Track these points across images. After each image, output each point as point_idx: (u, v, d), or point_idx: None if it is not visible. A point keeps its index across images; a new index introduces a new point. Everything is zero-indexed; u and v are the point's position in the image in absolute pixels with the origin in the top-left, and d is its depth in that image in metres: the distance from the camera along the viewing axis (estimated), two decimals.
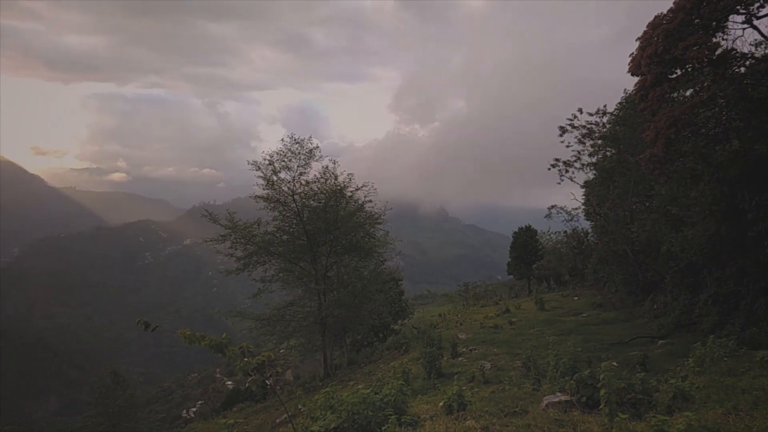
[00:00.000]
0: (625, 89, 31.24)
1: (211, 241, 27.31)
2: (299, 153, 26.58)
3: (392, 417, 6.72)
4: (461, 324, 32.55)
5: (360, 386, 16.56)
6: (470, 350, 22.41)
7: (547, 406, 8.62)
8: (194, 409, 69.06)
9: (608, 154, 33.67)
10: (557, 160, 37.18)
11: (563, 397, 8.84)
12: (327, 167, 27.84)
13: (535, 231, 55.07)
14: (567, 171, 36.98)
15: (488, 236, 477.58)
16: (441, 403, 9.47)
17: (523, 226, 55.32)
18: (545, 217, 42.28)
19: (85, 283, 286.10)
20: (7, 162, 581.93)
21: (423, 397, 13.44)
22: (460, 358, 21.12)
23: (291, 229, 28.21)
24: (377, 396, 7.31)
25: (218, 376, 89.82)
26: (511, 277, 59.92)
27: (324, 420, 6.49)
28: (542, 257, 51.33)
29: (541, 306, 33.09)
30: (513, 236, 55.34)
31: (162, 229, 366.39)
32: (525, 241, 53.28)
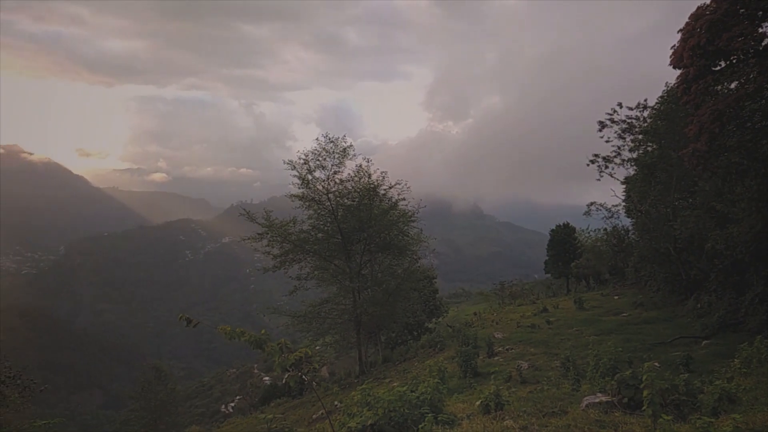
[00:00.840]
0: (667, 82, 30.30)
1: (248, 239, 27.81)
2: (333, 152, 26.77)
3: (429, 415, 6.72)
4: (497, 323, 32.22)
5: (395, 384, 16.62)
6: (507, 350, 22.17)
7: (587, 406, 8.49)
8: (232, 404, 70.46)
9: (649, 149, 32.75)
10: (596, 155, 36.41)
11: (604, 398, 8.69)
12: (361, 166, 27.99)
13: (574, 228, 54.04)
14: (606, 167, 36.20)
15: (524, 234, 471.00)
16: (477, 403, 9.41)
17: (561, 224, 54.35)
18: (584, 214, 41.50)
19: (128, 280, 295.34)
20: (53, 164, 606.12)
21: (459, 396, 13.39)
22: (496, 358, 20.93)
23: (326, 228, 28.47)
24: (413, 394, 7.32)
25: (256, 371, 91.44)
26: (549, 275, 58.96)
27: (361, 417, 6.54)
28: (581, 255, 50.33)
29: (580, 305, 32.47)
30: (550, 234, 54.44)
31: (201, 228, 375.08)
32: (563, 239, 52.34)
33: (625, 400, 8.24)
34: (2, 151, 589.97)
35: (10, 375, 19.38)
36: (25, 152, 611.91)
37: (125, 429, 42.32)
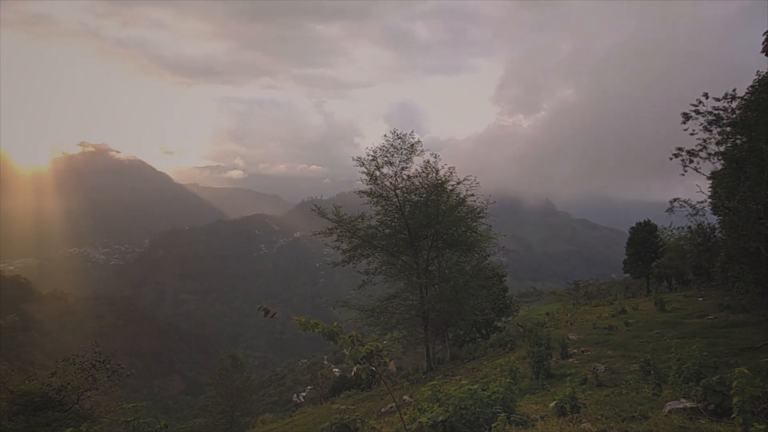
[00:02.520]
0: (758, 71, 27.87)
1: (318, 234, 28.38)
2: (401, 148, 26.75)
3: (501, 415, 6.58)
4: (571, 324, 31.14)
5: (464, 382, 16.42)
6: (582, 351, 21.39)
7: (670, 412, 8.07)
8: (304, 394, 72.54)
9: (738, 142, 30.35)
10: (680, 149, 34.22)
11: (688, 404, 8.22)
12: (428, 161, 27.78)
13: (655, 226, 51.22)
14: (691, 161, 33.91)
15: (601, 231, 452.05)
16: (552, 404, 9.14)
17: (642, 221, 51.69)
18: (666, 211, 39.15)
19: (207, 272, 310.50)
20: (138, 161, 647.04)
21: (531, 397, 13.07)
22: (570, 360, 20.23)
23: (393, 223, 28.56)
24: (485, 392, 7.19)
25: (326, 363, 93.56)
26: (628, 275, 56.29)
27: (431, 412, 6.50)
28: (663, 254, 47.68)
29: (662, 307, 30.76)
30: (630, 232, 51.86)
31: (275, 223, 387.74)
32: (644, 237, 49.72)
33: (712, 406, 7.77)
34: (92, 149, 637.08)
35: (100, 360, 20.78)
36: (112, 150, 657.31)
37: (204, 414, 44.49)
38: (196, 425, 37.90)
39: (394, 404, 18.04)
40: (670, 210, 39.04)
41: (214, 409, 41.27)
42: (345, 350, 6.07)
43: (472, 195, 28.12)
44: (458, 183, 27.72)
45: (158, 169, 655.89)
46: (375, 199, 28.01)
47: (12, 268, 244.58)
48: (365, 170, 27.23)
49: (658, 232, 50.99)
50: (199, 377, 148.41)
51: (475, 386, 7.37)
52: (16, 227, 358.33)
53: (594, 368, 16.82)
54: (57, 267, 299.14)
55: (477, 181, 27.89)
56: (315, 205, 28.50)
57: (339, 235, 27.95)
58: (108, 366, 20.86)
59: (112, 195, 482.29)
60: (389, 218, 28.56)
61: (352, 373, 39.77)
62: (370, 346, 6.28)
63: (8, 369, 22.17)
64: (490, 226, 30.23)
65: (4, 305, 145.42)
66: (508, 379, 8.45)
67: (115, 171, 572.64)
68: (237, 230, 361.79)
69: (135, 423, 6.29)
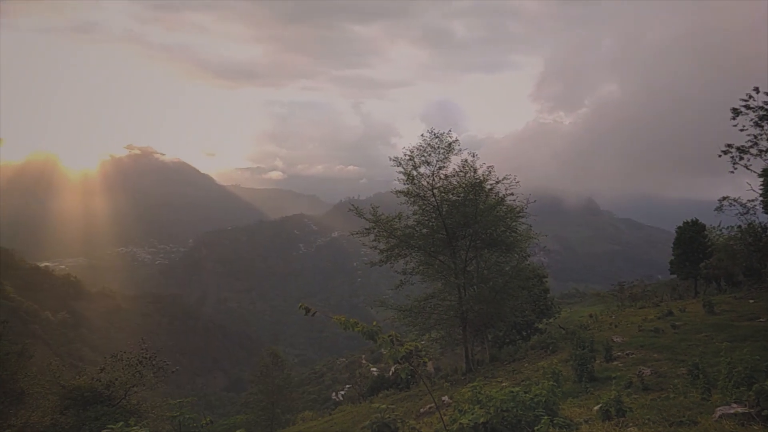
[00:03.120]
0: None
1: (356, 233, 28.50)
2: (438, 147, 26.58)
3: (545, 418, 6.44)
4: (616, 326, 30.31)
5: (505, 384, 16.20)
6: (626, 354, 20.78)
7: (720, 417, 7.77)
8: (342, 392, 73.07)
9: None
10: (729, 146, 32.86)
11: (740, 409, 7.89)
12: (466, 160, 27.48)
13: (703, 225, 49.34)
14: (741, 158, 32.54)
15: (646, 231, 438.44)
16: (596, 408, 8.92)
17: (689, 220, 49.88)
18: (715, 210, 37.67)
19: (249, 271, 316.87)
20: (182, 163, 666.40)
21: (574, 400, 12.79)
22: (615, 363, 19.69)
23: (430, 223, 28.41)
24: (527, 395, 7.06)
25: (364, 362, 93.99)
26: (674, 276, 54.44)
27: (472, 414, 6.42)
28: (711, 255, 45.86)
29: (710, 309, 29.58)
30: (677, 231, 50.14)
31: (313, 223, 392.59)
32: (691, 237, 47.96)
33: (765, 412, 7.45)
34: (139, 152, 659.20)
35: (146, 356, 21.41)
36: (158, 153, 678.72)
37: (245, 411, 45.30)
38: (238, 421, 38.65)
39: (433, 405, 17.95)
40: (719, 209, 37.53)
41: (256, 405, 41.97)
42: (384, 350, 6.05)
43: (512, 194, 27.68)
44: (497, 182, 27.33)
45: (202, 171, 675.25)
46: (412, 199, 27.93)
47: (63, 267, 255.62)
48: (402, 170, 27.19)
49: (706, 232, 49.14)
50: (241, 374, 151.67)
51: (517, 388, 7.25)
52: (66, 228, 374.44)
53: (639, 372, 16.32)
54: (105, 266, 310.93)
55: (516, 180, 27.45)
56: (352, 205, 28.63)
57: (376, 235, 27.99)
58: (154, 362, 21.45)
59: (157, 196, 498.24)
60: (426, 218, 28.43)
61: (390, 373, 39.82)
62: (410, 346, 6.25)
63: (59, 364, 23.05)
64: (531, 226, 29.68)
65: (55, 303, 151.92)
66: (551, 382, 8.27)
67: (160, 173, 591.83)
68: (277, 230, 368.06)
69: (181, 418, 6.43)
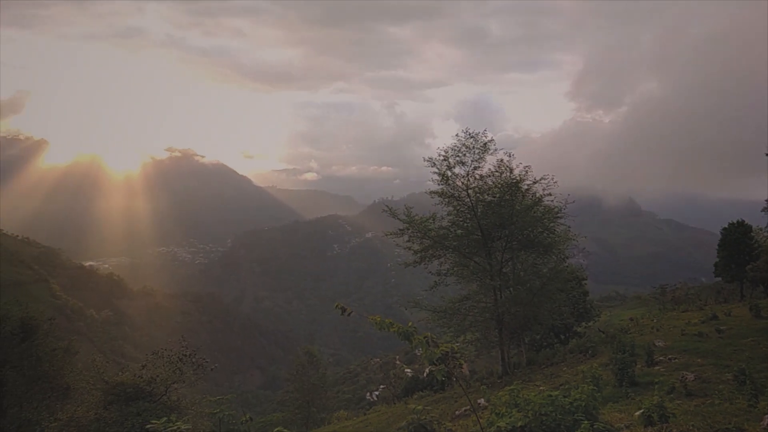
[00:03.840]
0: None
1: (390, 234, 28.49)
2: (473, 147, 26.32)
3: (585, 422, 6.30)
4: (657, 330, 29.43)
5: (542, 387, 15.94)
6: (669, 359, 20.16)
7: None
8: (377, 393, 73.23)
9: None
10: None
11: None
12: (502, 160, 27.11)
13: (750, 227, 47.47)
14: None
15: (689, 232, 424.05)
16: (637, 413, 8.69)
17: (735, 221, 48.07)
18: (762, 210, 36.34)
19: (284, 271, 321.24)
20: (221, 165, 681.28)
21: (614, 405, 12.49)
22: (656, 367, 19.13)
23: (465, 224, 28.14)
24: (566, 399, 6.92)
25: (398, 363, 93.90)
26: (719, 279, 52.57)
27: (510, 417, 6.34)
28: (758, 257, 44.04)
29: (757, 313, 28.41)
30: (721, 233, 48.37)
31: (347, 223, 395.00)
32: (737, 239, 46.18)
33: None
34: (179, 154, 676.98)
35: (186, 354, 21.86)
36: (197, 155, 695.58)
37: (281, 409, 45.87)
38: (275, 419, 39.14)
39: (468, 407, 17.80)
40: (767, 209, 36.06)
41: (292, 404, 42.41)
42: (419, 351, 6.03)
43: (549, 194, 27.16)
44: (534, 182, 26.89)
45: (240, 173, 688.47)
46: (446, 200, 27.74)
47: (106, 266, 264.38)
48: (436, 170, 27.03)
49: (752, 233, 47.30)
50: (277, 372, 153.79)
51: (556, 392, 7.12)
52: (109, 228, 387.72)
53: (682, 377, 15.81)
54: (147, 265, 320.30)
55: (554, 180, 26.92)
56: (386, 205, 28.64)
57: (410, 236, 27.93)
58: (194, 360, 21.86)
59: (197, 197, 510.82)
60: (461, 219, 28.18)
61: (425, 374, 39.68)
62: (445, 347, 6.22)
63: (103, 361, 23.72)
64: (569, 227, 29.04)
65: (99, 301, 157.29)
66: (590, 386, 8.09)
67: (200, 175, 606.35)
68: (312, 231, 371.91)
69: (220, 415, 6.56)
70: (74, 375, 23.18)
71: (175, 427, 4.82)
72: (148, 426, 5.26)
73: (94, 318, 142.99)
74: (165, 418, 4.99)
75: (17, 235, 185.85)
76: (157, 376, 20.57)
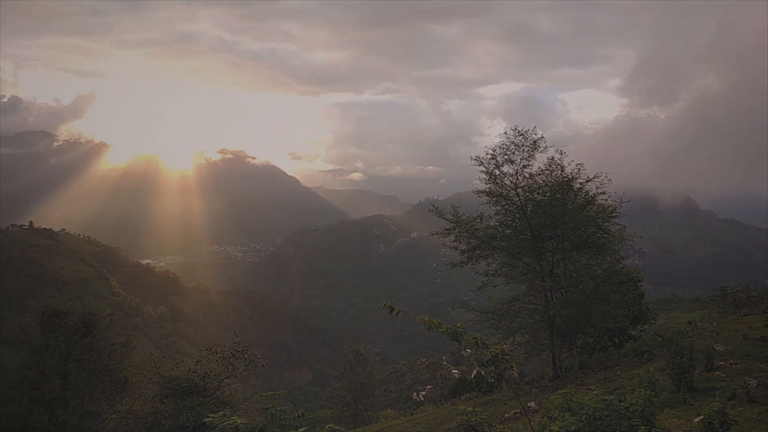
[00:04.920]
0: None
1: (436, 234, 28.28)
2: (523, 145, 25.80)
3: (642, 428, 6.10)
4: (717, 334, 28.11)
5: (596, 392, 15.50)
6: (730, 364, 19.21)
7: None
8: (423, 393, 73.04)
9: None
10: None
11: None
12: (552, 158, 26.46)
13: None
14: None
15: (753, 233, 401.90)
16: (697, 419, 8.35)
17: None
18: None
19: (331, 270, 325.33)
20: (271, 166, 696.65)
21: (672, 411, 12.04)
22: (716, 372, 18.28)
23: (514, 224, 27.64)
24: (622, 404, 6.71)
25: (445, 363, 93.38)
26: None
27: (563, 421, 6.20)
28: None
29: None
30: None
31: (393, 223, 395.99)
32: None
33: None
34: (231, 156, 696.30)
35: (239, 350, 22.47)
36: (249, 157, 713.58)
37: (329, 406, 46.47)
38: (323, 416, 39.73)
39: (518, 410, 17.52)
40: None
41: (339, 401, 42.92)
42: (466, 352, 5.99)
43: (603, 193, 26.33)
44: (587, 180, 26.13)
45: (288, 174, 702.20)
46: (494, 199, 27.31)
47: (162, 264, 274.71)
48: (484, 169, 26.65)
49: None
50: (325, 369, 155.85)
51: (611, 396, 6.91)
52: (166, 227, 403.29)
53: (744, 383, 15.02)
54: (200, 263, 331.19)
55: (608, 178, 26.07)
56: (432, 205, 28.43)
57: (457, 236, 27.66)
58: (245, 356, 22.45)
59: (248, 197, 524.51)
60: (510, 218, 27.69)
61: (473, 376, 39.32)
62: (496, 349, 6.15)
63: (159, 356, 24.62)
64: (624, 227, 28.03)
65: (155, 298, 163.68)
66: (647, 391, 7.82)
67: (250, 176, 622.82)
68: (358, 230, 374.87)
69: (273, 410, 6.69)
70: (132, 369, 24.15)
71: (231, 421, 4.96)
72: (206, 419, 5.43)
73: (150, 314, 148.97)
74: (221, 412, 5.14)
75: (79, 235, 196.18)
76: (211, 371, 21.23)
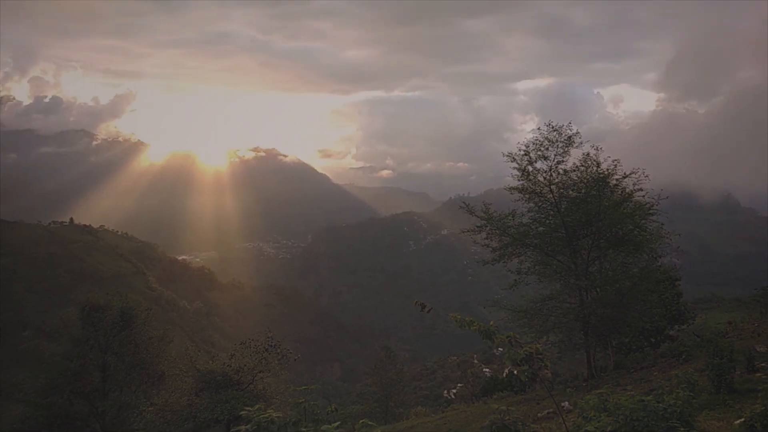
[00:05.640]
0: None
1: (467, 231, 28.09)
2: (557, 141, 25.41)
3: (680, 430, 5.96)
4: (759, 335, 27.13)
5: (632, 392, 15.21)
6: None
7: None
8: (454, 391, 72.64)
9: None
10: None
11: None
12: (588, 154, 25.97)
13: None
14: None
15: None
16: (738, 422, 8.12)
17: None
18: None
19: (361, 267, 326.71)
20: (302, 164, 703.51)
21: (711, 413, 11.74)
22: (758, 374, 17.69)
23: (547, 221, 27.25)
24: (659, 405, 6.57)
25: (476, 362, 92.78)
26: None
27: (599, 422, 6.11)
28: None
29: None
30: None
31: (423, 220, 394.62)
32: None
33: None
34: (263, 154, 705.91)
35: (271, 344, 22.79)
36: (281, 155, 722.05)
37: (360, 402, 46.76)
38: (354, 411, 39.99)
39: (551, 410, 17.31)
40: None
41: (370, 397, 43.15)
42: (497, 350, 5.96)
43: (640, 189, 25.69)
44: (624, 177, 25.54)
45: (319, 171, 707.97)
46: (527, 196, 26.97)
47: (198, 260, 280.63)
48: (516, 166, 26.35)
49: None
50: (355, 365, 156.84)
51: (648, 397, 6.78)
52: (201, 223, 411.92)
53: None
54: (234, 259, 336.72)
55: (645, 174, 25.42)
56: (463, 202, 28.20)
57: (488, 233, 27.41)
58: (278, 350, 22.76)
59: (280, 195, 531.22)
60: (543, 215, 27.31)
61: (504, 374, 38.98)
62: (530, 348, 6.10)
63: (195, 350, 25.14)
64: (663, 224, 27.28)
65: (191, 292, 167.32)
66: (686, 392, 7.63)
67: (282, 173, 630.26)
68: (387, 227, 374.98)
69: (306, 405, 6.76)
70: (169, 362, 24.75)
71: (267, 415, 5.05)
72: (242, 413, 5.54)
73: (186, 309, 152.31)
74: (258, 405, 5.24)
75: (117, 231, 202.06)
76: (245, 365, 21.58)
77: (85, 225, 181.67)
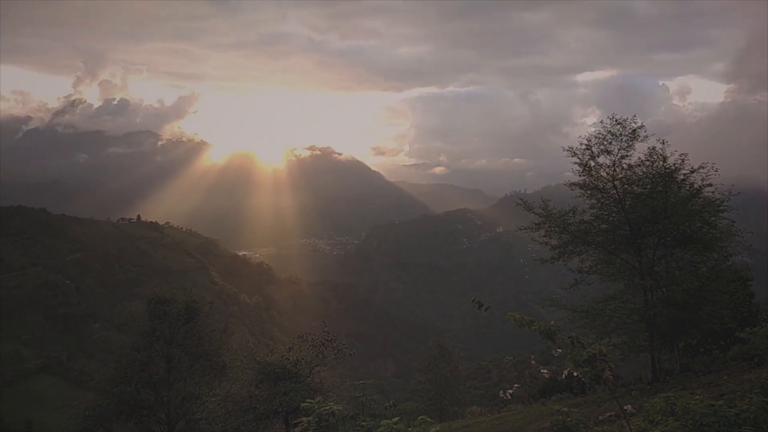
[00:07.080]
0: None
1: (525, 229, 27.47)
2: (620, 134, 24.47)
3: None
4: None
5: (700, 396, 14.49)
6: None
7: None
8: (510, 391, 71.54)
9: None
10: None
11: None
12: (654, 148, 24.84)
13: None
14: None
15: None
16: None
17: None
18: None
19: (414, 264, 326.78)
20: (356, 161, 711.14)
21: None
22: None
23: (610, 218, 26.28)
24: (732, 410, 6.25)
25: (533, 363, 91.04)
26: None
27: (665, 426, 5.88)
28: None
29: None
30: None
31: (477, 217, 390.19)
32: None
33: None
34: (319, 152, 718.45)
35: (328, 339, 23.16)
36: (335, 153, 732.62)
37: (414, 399, 46.79)
38: (408, 408, 40.05)
39: (613, 413, 16.76)
40: None
41: (424, 395, 43.04)
42: (556, 351, 5.84)
43: (710, 185, 24.37)
44: (691, 172, 24.31)
45: (372, 168, 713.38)
46: (589, 192, 26.12)
47: (257, 255, 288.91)
48: (578, 161, 25.55)
49: None
50: (409, 362, 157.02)
51: (719, 402, 6.46)
52: (260, 220, 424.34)
53: None
54: (291, 255, 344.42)
55: (715, 169, 24.09)
56: (520, 198, 27.60)
57: (547, 231, 26.73)
58: (335, 345, 23.11)
59: (335, 192, 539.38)
60: (606, 212, 26.35)
61: (563, 376, 38.04)
62: (593, 349, 5.95)
63: (254, 342, 25.87)
64: (734, 222, 25.77)
65: (251, 287, 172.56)
66: (761, 397, 7.20)
67: (337, 171, 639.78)
68: (441, 224, 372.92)
69: (363, 399, 6.85)
70: (230, 354, 25.58)
71: (328, 407, 5.16)
72: (303, 404, 5.69)
73: (246, 303, 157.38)
74: (319, 398, 5.36)
75: (182, 227, 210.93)
76: (302, 358, 22.05)
77: (151, 222, 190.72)
